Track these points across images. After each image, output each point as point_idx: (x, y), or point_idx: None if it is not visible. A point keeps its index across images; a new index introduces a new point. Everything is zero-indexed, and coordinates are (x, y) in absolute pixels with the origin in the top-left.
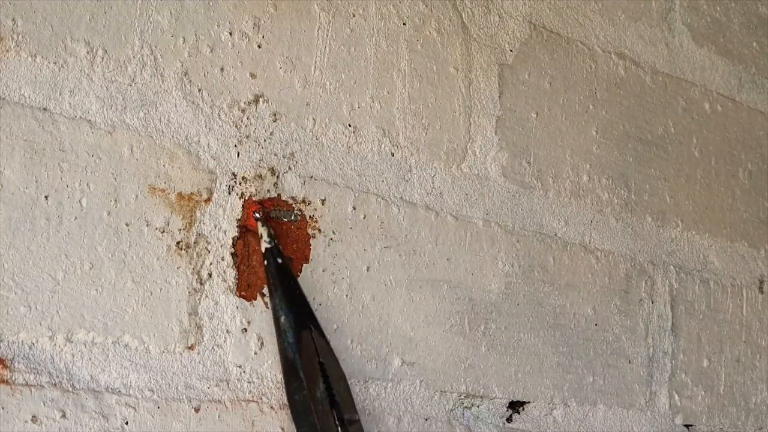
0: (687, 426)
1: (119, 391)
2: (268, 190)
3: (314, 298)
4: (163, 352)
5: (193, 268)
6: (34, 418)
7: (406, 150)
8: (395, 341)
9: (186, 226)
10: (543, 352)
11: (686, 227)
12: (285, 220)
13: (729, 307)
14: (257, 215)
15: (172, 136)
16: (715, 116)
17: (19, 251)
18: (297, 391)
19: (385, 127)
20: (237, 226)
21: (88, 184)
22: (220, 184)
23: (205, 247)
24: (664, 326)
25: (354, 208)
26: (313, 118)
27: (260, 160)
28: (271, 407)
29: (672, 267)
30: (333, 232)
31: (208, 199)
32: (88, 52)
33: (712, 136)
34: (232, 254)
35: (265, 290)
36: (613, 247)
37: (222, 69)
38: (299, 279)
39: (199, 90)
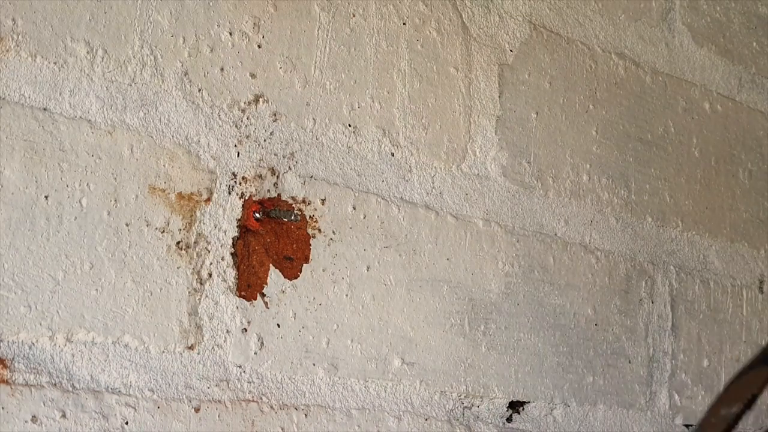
0: (687, 426)
1: (119, 391)
2: (268, 190)
3: (314, 298)
4: (163, 352)
5: (193, 268)
6: (34, 418)
7: (406, 150)
8: (395, 341)
9: (186, 226)
10: (543, 352)
11: (686, 227)
12: (285, 220)
13: (729, 307)
14: (257, 215)
15: (172, 136)
16: (715, 116)
17: (19, 251)
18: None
19: (385, 127)
20: (237, 226)
21: (88, 184)
22: (220, 184)
23: (205, 247)
24: (664, 326)
25: (354, 208)
26: (313, 118)
27: (260, 160)
28: (271, 407)
29: (672, 267)
30: (333, 232)
31: (208, 199)
32: (88, 52)
33: (712, 136)
34: (232, 254)
35: (266, 290)
36: (613, 247)
37: (222, 69)
38: (299, 279)
39: (199, 90)
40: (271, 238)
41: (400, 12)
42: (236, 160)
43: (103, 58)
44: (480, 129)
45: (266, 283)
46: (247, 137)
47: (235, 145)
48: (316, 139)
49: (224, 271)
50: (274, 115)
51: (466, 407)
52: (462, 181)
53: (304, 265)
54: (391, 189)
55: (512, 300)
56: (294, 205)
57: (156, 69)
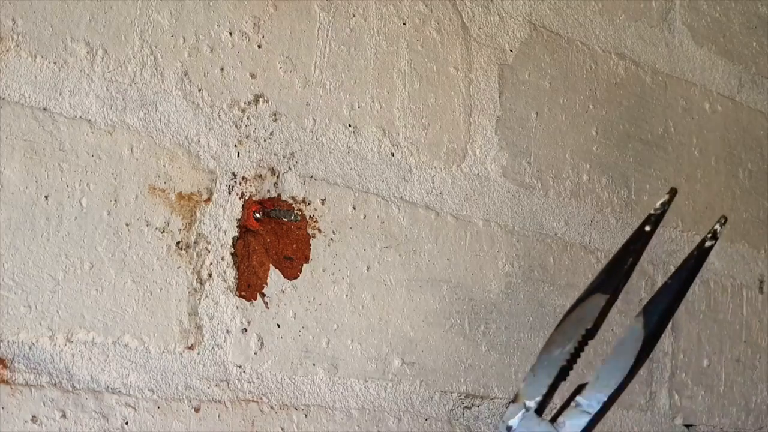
0: (687, 426)
1: (119, 391)
2: (268, 190)
3: (314, 298)
4: (163, 352)
5: (193, 268)
6: (34, 418)
7: (406, 150)
8: (395, 341)
9: (186, 226)
10: None
11: (686, 227)
12: (285, 220)
13: (729, 307)
14: (257, 215)
15: (172, 136)
16: (715, 116)
17: (19, 251)
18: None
19: (385, 127)
20: (237, 226)
21: (88, 184)
22: (220, 184)
23: (205, 247)
24: None
25: (354, 208)
26: (313, 118)
27: (260, 160)
28: (271, 407)
29: (672, 267)
30: (333, 232)
31: (208, 199)
32: (88, 52)
33: (712, 136)
34: (232, 254)
35: (266, 290)
36: (613, 247)
37: (222, 69)
38: (299, 279)
39: (199, 90)
40: (271, 238)
41: (400, 12)
42: (236, 160)
43: (103, 58)
44: (480, 129)
45: (266, 283)
46: (247, 137)
47: (235, 145)
48: (316, 139)
49: (224, 271)
50: (274, 115)
51: (466, 407)
52: (462, 181)
53: (304, 265)
54: (391, 189)
55: (512, 300)
56: (294, 205)
57: (156, 69)
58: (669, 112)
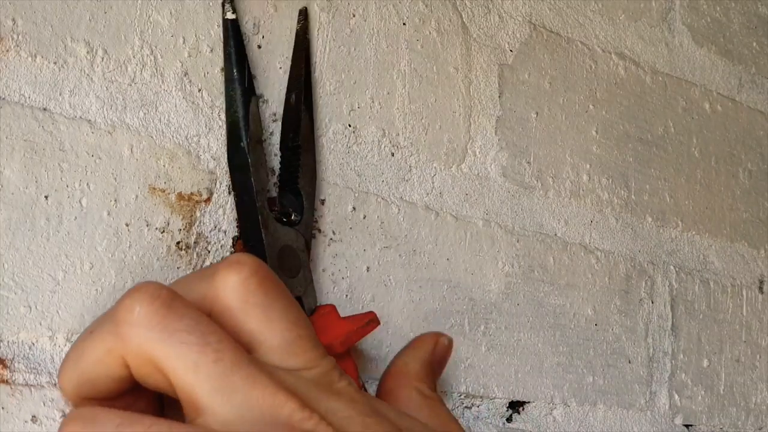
0: (687, 426)
1: None
2: (268, 190)
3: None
4: None
5: (193, 269)
6: (34, 418)
7: (406, 150)
8: (395, 341)
9: (186, 227)
10: (543, 352)
11: (686, 227)
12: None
13: (729, 307)
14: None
15: (172, 136)
16: (715, 116)
17: (19, 251)
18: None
19: (385, 127)
20: (237, 227)
21: (88, 184)
22: (220, 184)
23: (205, 248)
24: (664, 326)
25: (354, 209)
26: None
27: None
28: None
29: (672, 267)
30: (333, 232)
31: (208, 199)
32: (88, 52)
33: (712, 136)
34: (231, 254)
35: None
36: (613, 247)
37: (222, 69)
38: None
39: (199, 90)
40: None
41: (400, 12)
42: None
43: (103, 58)
44: (480, 129)
45: None
46: None
47: None
48: (316, 139)
49: None
50: (274, 115)
51: (466, 407)
52: (462, 181)
53: None
54: (391, 189)
55: (512, 300)
56: None
57: (156, 69)
58: (669, 112)
